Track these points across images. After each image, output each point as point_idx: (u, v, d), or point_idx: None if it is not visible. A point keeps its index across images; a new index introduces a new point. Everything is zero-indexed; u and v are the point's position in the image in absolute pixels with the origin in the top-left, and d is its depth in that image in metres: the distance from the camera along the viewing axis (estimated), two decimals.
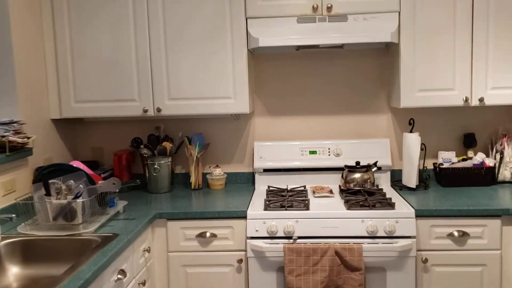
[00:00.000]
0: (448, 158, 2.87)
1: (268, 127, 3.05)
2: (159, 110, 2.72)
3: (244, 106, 2.70)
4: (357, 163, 2.76)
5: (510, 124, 2.88)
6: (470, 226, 2.35)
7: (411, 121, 2.79)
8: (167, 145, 2.92)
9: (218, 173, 2.96)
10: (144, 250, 2.31)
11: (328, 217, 2.35)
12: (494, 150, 2.82)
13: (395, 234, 2.32)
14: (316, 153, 2.89)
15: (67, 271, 1.69)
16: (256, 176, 2.95)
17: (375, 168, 2.74)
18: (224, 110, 2.71)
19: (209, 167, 3.06)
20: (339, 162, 2.86)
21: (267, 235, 2.38)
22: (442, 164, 2.85)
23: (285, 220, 2.37)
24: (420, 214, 2.34)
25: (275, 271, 2.39)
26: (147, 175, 2.91)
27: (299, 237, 2.36)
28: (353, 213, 2.35)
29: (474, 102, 2.60)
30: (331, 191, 2.72)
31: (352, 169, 2.74)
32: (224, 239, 2.47)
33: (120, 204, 2.44)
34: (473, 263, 2.36)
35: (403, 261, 2.33)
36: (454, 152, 2.88)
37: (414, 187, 2.72)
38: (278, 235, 2.37)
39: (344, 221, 2.34)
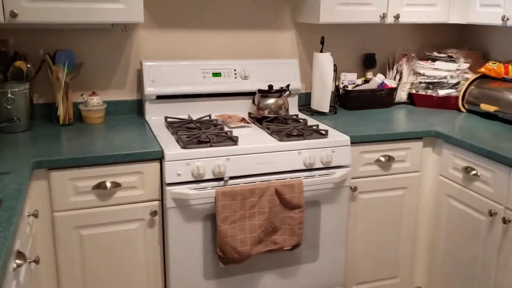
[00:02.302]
0: (351, 80, 2.73)
1: (157, 43, 2.44)
2: (13, 15, 1.89)
3: (138, 12, 2.06)
4: (270, 86, 2.41)
5: (408, 44, 2.86)
6: (396, 150, 2.26)
7: (322, 39, 2.53)
8: (22, 65, 2.10)
9: (96, 102, 2.28)
10: (29, 215, 1.63)
11: (262, 151, 2.00)
12: (394, 71, 2.78)
13: (332, 165, 2.10)
14: (220, 76, 2.44)
15: None
16: (147, 105, 2.37)
17: (288, 92, 2.44)
18: (111, 18, 2.02)
19: (82, 95, 2.35)
20: (247, 86, 2.47)
21: (193, 179, 1.91)
22: (347, 87, 2.70)
23: (214, 159, 1.93)
24: (352, 141, 2.16)
25: (201, 220, 1.97)
26: None
27: (231, 178, 1.97)
28: (289, 144, 2.04)
29: (390, 19, 2.45)
30: (244, 120, 2.34)
31: (265, 93, 2.39)
32: (131, 188, 1.92)
33: None
34: (396, 187, 2.31)
35: (337, 192, 2.14)
36: (356, 74, 2.75)
37: (328, 111, 2.52)
38: (206, 177, 1.93)
39: (280, 155, 2.02)
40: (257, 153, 1.98)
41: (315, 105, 2.56)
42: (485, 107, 2.44)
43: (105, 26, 2.31)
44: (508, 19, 2.22)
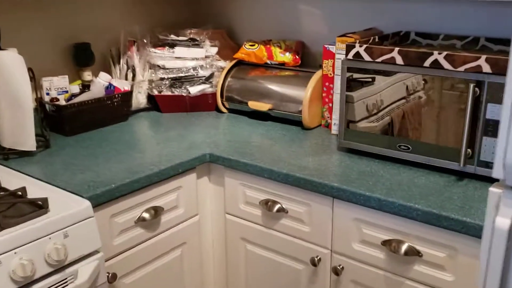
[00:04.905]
0: (62, 87, 1.74)
1: None
2: None
3: None
4: None
5: (135, 25, 2.01)
6: (162, 196, 1.46)
7: None
8: None
9: None
10: None
11: None
12: (124, 66, 1.91)
13: (69, 260, 1.15)
14: None
15: None
16: None
17: None
18: None
19: None
20: None
21: None
22: (58, 99, 1.70)
23: None
24: (94, 204, 1.25)
25: None
26: None
27: None
28: None
29: None
30: None
31: None
32: None
33: None
34: (171, 248, 1.52)
35: None
36: (67, 76, 1.78)
37: (34, 148, 1.49)
38: None
39: None
40: None
41: (8, 141, 1.49)
42: (255, 105, 1.85)
43: None
44: None
